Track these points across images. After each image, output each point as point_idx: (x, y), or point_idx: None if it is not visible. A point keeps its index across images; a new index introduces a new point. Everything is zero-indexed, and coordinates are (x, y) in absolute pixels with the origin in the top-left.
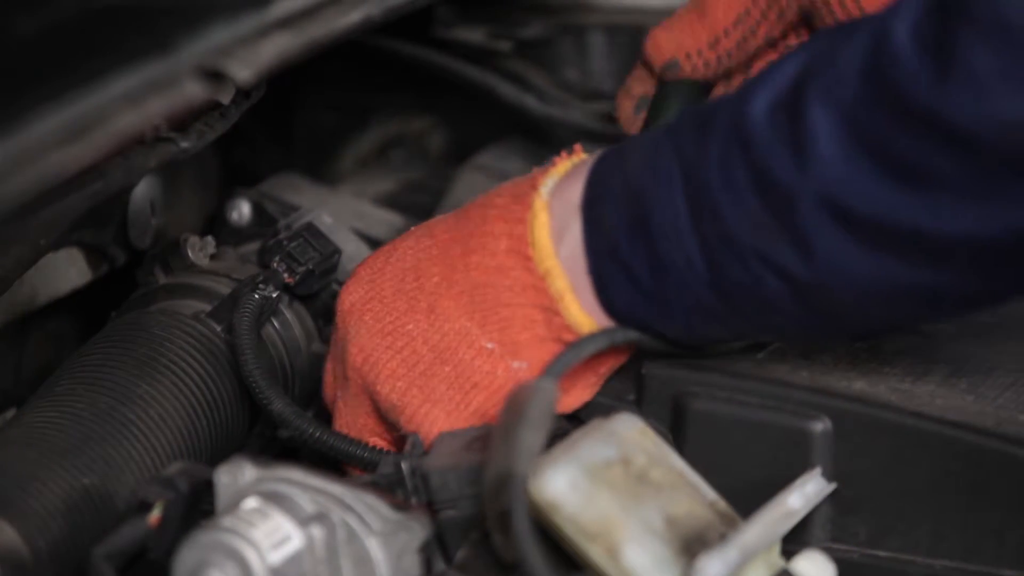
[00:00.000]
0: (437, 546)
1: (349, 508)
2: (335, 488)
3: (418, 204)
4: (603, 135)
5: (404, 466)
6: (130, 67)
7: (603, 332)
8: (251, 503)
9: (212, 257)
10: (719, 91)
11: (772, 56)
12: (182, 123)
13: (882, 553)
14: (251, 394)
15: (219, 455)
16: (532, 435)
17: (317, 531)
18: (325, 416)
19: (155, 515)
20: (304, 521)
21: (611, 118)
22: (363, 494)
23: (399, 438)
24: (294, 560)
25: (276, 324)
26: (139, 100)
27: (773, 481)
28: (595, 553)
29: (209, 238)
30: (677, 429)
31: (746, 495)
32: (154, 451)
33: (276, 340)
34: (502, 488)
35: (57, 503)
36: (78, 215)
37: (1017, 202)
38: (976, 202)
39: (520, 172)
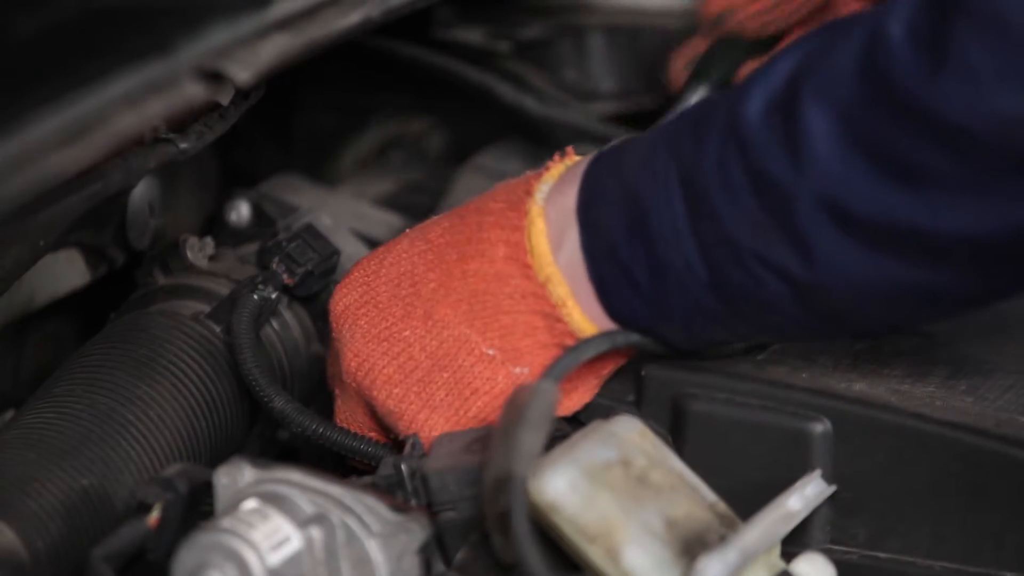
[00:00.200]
0: (436, 547)
1: (348, 509)
2: (334, 489)
3: (417, 205)
4: (602, 136)
5: (404, 468)
6: (129, 68)
7: (604, 335)
8: (250, 504)
9: (211, 258)
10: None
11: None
12: (181, 124)
13: (882, 555)
14: (251, 393)
15: (218, 456)
16: (532, 437)
17: (316, 532)
18: (325, 416)
19: (154, 516)
20: (303, 522)
21: (610, 119)
22: (362, 495)
23: (396, 441)
24: (293, 561)
25: (275, 325)
26: (138, 101)
27: (773, 483)
28: (595, 554)
29: (208, 239)
30: (677, 431)
31: (746, 497)
32: (153, 452)
33: (275, 341)
34: (501, 489)
35: (56, 504)
36: (77, 216)
37: (1015, 199)
38: (974, 199)
39: (519, 173)
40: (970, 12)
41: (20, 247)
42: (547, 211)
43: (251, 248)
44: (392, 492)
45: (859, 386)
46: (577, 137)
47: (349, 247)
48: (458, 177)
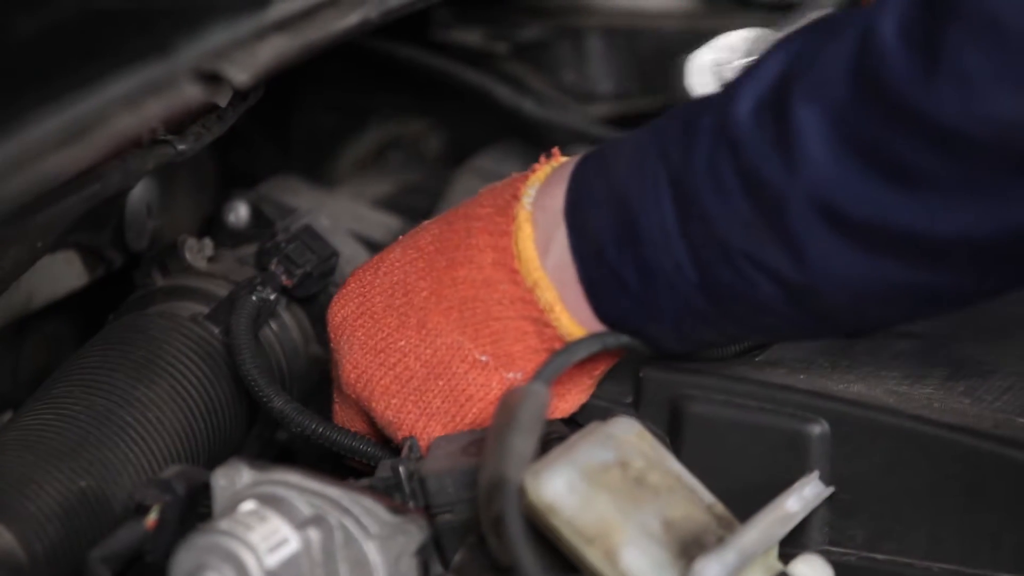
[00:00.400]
0: (434, 549)
1: (346, 511)
2: (332, 491)
3: (416, 206)
4: (600, 138)
5: (401, 470)
6: (128, 69)
7: (595, 336)
8: (248, 506)
9: (210, 259)
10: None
11: None
12: (179, 125)
13: (880, 556)
14: (250, 394)
15: (217, 458)
16: (523, 440)
17: (314, 534)
18: (323, 417)
19: (152, 518)
20: (301, 524)
21: (608, 121)
22: (360, 497)
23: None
24: (291, 563)
25: (274, 327)
26: (137, 102)
27: (771, 484)
28: (593, 556)
29: (207, 240)
30: (675, 432)
31: (744, 498)
32: (151, 454)
33: (273, 343)
34: (495, 493)
35: (54, 506)
36: (75, 217)
37: (1012, 200)
38: (970, 201)
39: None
40: (963, 15)
41: (18, 248)
42: (535, 214)
43: (249, 249)
44: (390, 494)
45: (857, 388)
46: (575, 139)
47: (347, 249)
48: (456, 178)
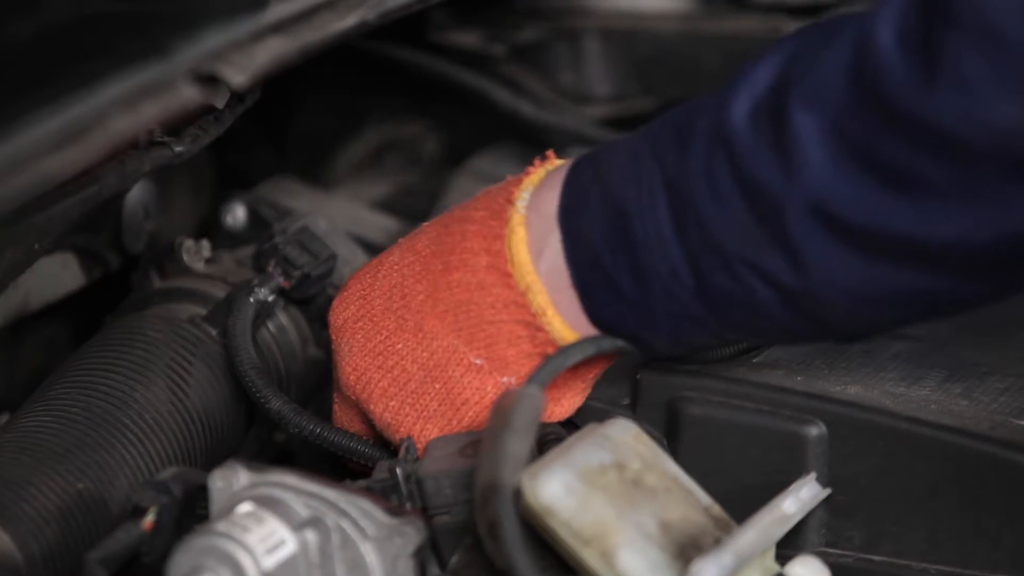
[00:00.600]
0: (431, 551)
1: (344, 513)
2: (329, 493)
3: (413, 208)
4: (597, 140)
5: (399, 471)
6: (125, 71)
7: (589, 339)
8: (245, 507)
9: (207, 261)
10: None
11: None
12: (176, 127)
13: (877, 558)
14: (248, 395)
15: (214, 459)
16: (518, 444)
17: (311, 536)
18: (322, 418)
19: (149, 520)
20: (298, 526)
21: (606, 122)
22: (358, 499)
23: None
24: (288, 565)
25: (271, 328)
26: (134, 104)
27: (768, 486)
28: (590, 557)
29: (204, 242)
30: (672, 434)
31: (741, 500)
32: (148, 455)
33: (271, 344)
34: (490, 497)
35: (51, 508)
36: (73, 219)
37: (1012, 206)
38: (968, 208)
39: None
40: (963, 22)
41: (15, 250)
42: (528, 218)
43: (247, 251)
44: (387, 496)
45: (854, 389)
46: (573, 140)
47: (345, 250)
48: (454, 180)
